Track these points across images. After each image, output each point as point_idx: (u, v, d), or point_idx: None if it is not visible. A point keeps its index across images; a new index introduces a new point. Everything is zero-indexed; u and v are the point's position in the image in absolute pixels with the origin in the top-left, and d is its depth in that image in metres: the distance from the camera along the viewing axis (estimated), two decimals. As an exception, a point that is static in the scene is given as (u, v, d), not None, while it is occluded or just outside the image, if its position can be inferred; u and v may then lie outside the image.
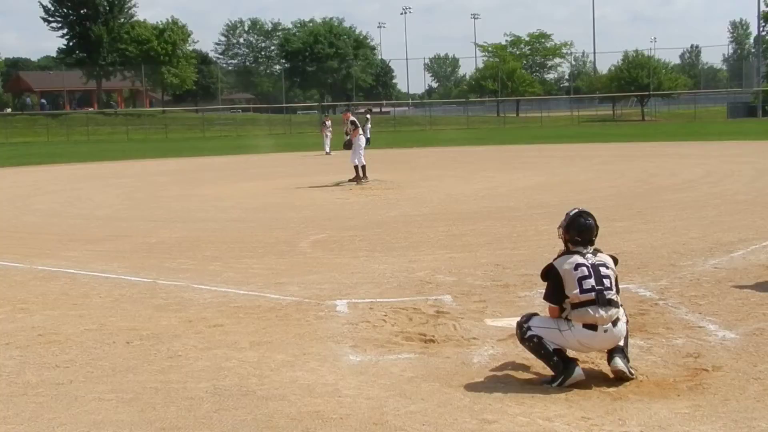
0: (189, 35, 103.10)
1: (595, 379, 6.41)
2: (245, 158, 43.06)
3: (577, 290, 6.30)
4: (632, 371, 6.37)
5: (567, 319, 6.39)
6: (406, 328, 8.15)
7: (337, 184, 24.38)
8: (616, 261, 6.65)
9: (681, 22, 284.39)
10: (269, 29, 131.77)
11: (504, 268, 11.08)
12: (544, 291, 6.60)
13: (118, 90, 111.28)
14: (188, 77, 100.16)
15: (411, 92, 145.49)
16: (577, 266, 6.37)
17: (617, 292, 6.47)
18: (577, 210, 6.67)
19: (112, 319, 8.96)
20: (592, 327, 6.30)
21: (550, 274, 6.48)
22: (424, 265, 11.45)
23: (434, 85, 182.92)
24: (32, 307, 9.66)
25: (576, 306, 6.32)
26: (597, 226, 6.63)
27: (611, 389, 6.21)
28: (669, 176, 24.08)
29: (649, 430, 5.42)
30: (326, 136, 42.73)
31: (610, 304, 6.33)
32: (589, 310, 6.28)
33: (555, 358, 6.35)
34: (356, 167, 24.68)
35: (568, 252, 6.54)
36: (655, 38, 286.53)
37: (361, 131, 25.39)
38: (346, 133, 26.19)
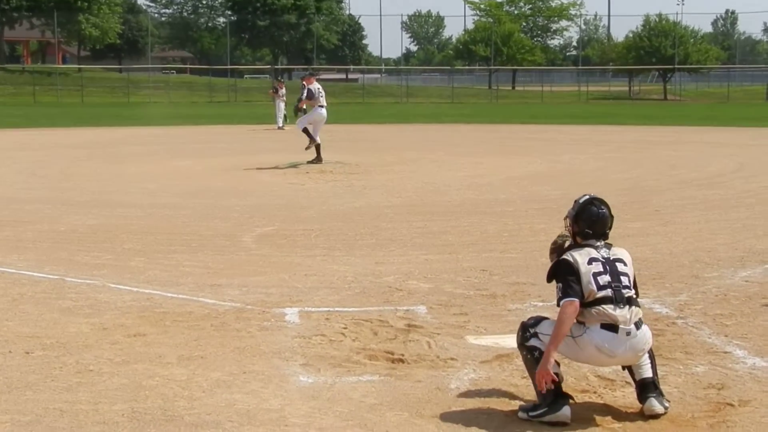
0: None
1: (598, 411, 6.45)
2: (179, 130, 42.85)
3: (593, 286, 6.31)
4: (667, 405, 6.44)
5: (580, 323, 6.36)
6: (369, 345, 8.16)
7: (294, 166, 24.28)
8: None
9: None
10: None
11: (491, 274, 11.12)
12: (557, 295, 6.41)
13: (24, 41, 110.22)
14: (111, 29, 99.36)
15: (384, 56, 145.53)
16: (591, 260, 6.40)
17: (636, 294, 6.51)
18: (587, 197, 6.69)
19: (8, 323, 8.90)
20: (612, 328, 6.29)
21: (561, 267, 6.44)
22: (394, 269, 11.46)
23: (413, 48, 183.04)
24: None
25: (590, 305, 6.32)
26: (612, 217, 6.66)
27: (617, 425, 6.24)
28: (694, 168, 24.24)
29: (661, 476, 5.47)
30: (279, 106, 42.66)
31: (630, 302, 6.36)
32: (606, 307, 6.29)
33: None
34: (306, 132, 24.41)
35: (577, 245, 6.58)
36: (682, 1, 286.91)
37: (322, 103, 25.03)
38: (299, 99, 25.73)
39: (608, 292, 6.30)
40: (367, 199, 18.37)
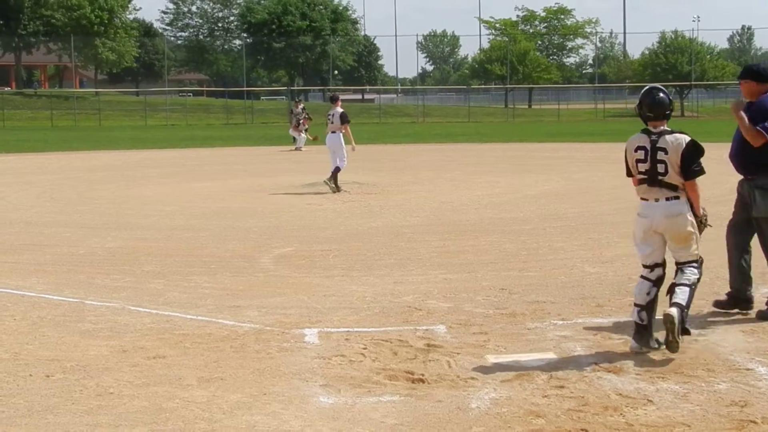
0: (129, 1, 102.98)
1: (620, 429, 6.43)
2: (196, 152, 43.01)
3: (634, 170, 8.47)
4: (679, 339, 7.95)
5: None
6: (389, 365, 8.15)
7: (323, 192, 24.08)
8: (695, 146, 8.24)
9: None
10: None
11: (510, 293, 11.10)
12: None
13: (42, 66, 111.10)
14: (128, 52, 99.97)
15: (400, 76, 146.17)
16: (638, 148, 8.39)
17: (686, 176, 8.22)
18: (648, 87, 8.48)
19: (28, 347, 8.92)
20: (644, 200, 8.44)
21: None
22: (413, 288, 11.46)
23: (429, 68, 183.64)
24: (-70, 330, 9.61)
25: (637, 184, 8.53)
26: (671, 101, 8.40)
27: (639, 443, 6.21)
28: (713, 185, 24.09)
29: (685, 495, 5.43)
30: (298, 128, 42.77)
31: (661, 184, 8.26)
32: (642, 186, 8.43)
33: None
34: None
35: (641, 131, 8.42)
36: (698, 17, 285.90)
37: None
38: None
39: (644, 176, 8.34)
40: (385, 218, 18.39)
